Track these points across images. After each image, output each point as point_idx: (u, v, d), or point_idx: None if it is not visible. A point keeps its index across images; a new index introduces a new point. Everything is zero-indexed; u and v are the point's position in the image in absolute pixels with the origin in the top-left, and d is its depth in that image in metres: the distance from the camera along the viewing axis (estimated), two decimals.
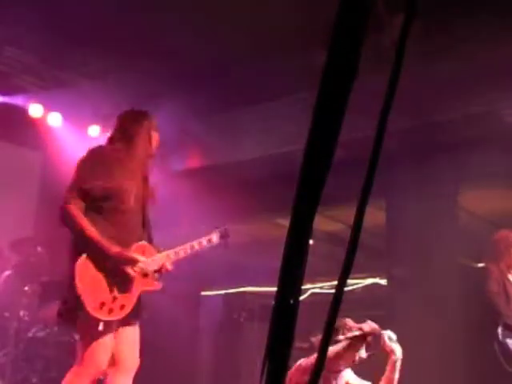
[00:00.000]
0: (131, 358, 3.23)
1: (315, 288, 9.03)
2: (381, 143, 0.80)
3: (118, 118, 3.46)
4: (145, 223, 3.33)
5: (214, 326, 8.28)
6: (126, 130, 3.36)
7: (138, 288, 3.14)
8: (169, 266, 3.29)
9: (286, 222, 7.02)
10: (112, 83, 6.58)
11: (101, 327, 2.98)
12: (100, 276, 3.02)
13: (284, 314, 0.81)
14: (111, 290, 3.04)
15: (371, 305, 7.85)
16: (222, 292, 9.19)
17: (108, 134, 3.48)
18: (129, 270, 3.06)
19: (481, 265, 6.34)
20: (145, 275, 3.17)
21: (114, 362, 3.19)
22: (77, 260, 3.03)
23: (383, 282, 7.87)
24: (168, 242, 3.58)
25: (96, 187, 3.10)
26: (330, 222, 8.43)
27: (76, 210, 3.06)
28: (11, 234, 6.16)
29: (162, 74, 5.94)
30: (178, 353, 6.79)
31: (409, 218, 6.48)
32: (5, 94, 6.64)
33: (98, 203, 3.11)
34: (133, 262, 3.08)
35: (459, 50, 5.58)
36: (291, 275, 0.81)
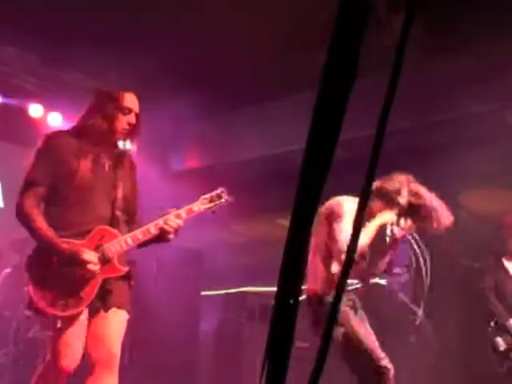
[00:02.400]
0: (101, 352, 2.94)
1: None
2: (381, 143, 0.80)
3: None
4: (115, 202, 3.09)
5: (214, 326, 8.28)
6: (86, 110, 3.22)
7: (97, 277, 2.92)
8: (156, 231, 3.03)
9: (286, 222, 7.01)
10: (112, 83, 6.58)
11: (59, 324, 2.84)
12: (52, 271, 2.87)
13: (284, 314, 0.81)
14: (66, 285, 2.87)
15: (371, 305, 7.85)
16: (222, 292, 9.18)
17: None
18: (79, 272, 2.88)
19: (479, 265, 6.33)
20: (106, 261, 2.95)
21: (89, 360, 2.98)
22: (28, 260, 2.96)
23: (383, 282, 7.87)
24: None
25: (42, 176, 2.99)
26: None
27: (27, 205, 2.98)
28: (11, 234, 6.16)
29: (162, 73, 5.94)
30: (178, 353, 6.79)
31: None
32: (5, 93, 6.64)
33: (50, 191, 3.00)
34: (82, 263, 2.87)
35: (459, 49, 5.59)
36: (291, 275, 0.81)
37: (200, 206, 3.20)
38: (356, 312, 3.75)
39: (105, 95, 3.17)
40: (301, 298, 0.84)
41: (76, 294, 2.89)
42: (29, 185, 3.02)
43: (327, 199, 3.83)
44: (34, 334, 5.49)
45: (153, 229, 3.05)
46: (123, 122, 3.14)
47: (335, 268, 3.66)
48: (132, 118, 3.16)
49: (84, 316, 2.94)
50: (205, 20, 5.44)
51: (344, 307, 3.63)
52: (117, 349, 2.98)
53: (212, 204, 3.24)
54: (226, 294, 9.14)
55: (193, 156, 7.61)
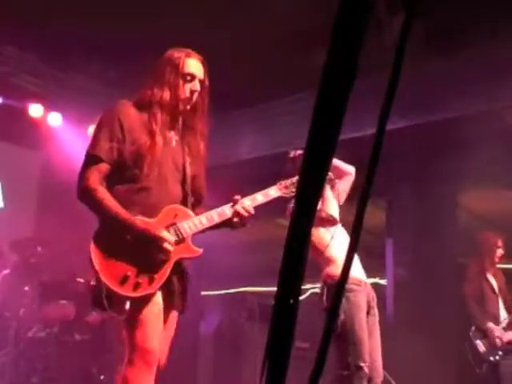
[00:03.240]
0: (162, 349, 2.76)
1: (315, 288, 9.03)
2: (381, 143, 0.80)
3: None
4: (185, 180, 2.84)
5: (214, 326, 8.28)
6: (152, 78, 2.84)
7: (171, 258, 2.68)
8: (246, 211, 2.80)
9: (285, 222, 7.01)
10: (112, 83, 6.58)
11: (127, 306, 2.57)
12: (122, 250, 2.62)
13: (284, 314, 0.81)
14: (137, 264, 2.61)
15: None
16: (222, 292, 9.18)
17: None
18: (154, 252, 2.63)
19: None
20: (180, 241, 2.71)
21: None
22: (96, 234, 2.68)
23: (383, 281, 7.87)
24: None
25: (107, 151, 2.69)
26: None
27: (92, 181, 2.67)
28: (11, 233, 6.16)
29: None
30: (178, 353, 6.78)
31: (409, 218, 6.48)
32: (5, 93, 6.64)
33: (115, 168, 2.71)
34: (157, 240, 2.62)
35: (459, 49, 5.59)
36: (291, 275, 0.81)
37: (278, 190, 2.98)
38: (368, 311, 3.79)
39: (165, 61, 2.87)
40: (301, 298, 0.84)
41: (148, 273, 2.62)
42: (92, 160, 2.70)
43: None
44: (34, 334, 5.49)
45: (228, 211, 2.82)
46: (186, 89, 2.83)
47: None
48: (195, 85, 2.84)
49: (159, 298, 2.67)
50: (205, 20, 5.44)
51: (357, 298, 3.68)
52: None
53: (288, 191, 3.01)
54: (226, 293, 9.15)
55: None
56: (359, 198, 0.82)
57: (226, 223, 2.86)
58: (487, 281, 5.71)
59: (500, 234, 5.93)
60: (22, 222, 7.07)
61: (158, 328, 2.66)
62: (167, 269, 2.67)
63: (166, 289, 2.71)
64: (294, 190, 3.01)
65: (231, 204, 2.84)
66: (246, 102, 6.68)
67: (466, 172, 6.05)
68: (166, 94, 2.80)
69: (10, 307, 5.48)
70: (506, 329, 5.48)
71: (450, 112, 5.92)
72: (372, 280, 9.35)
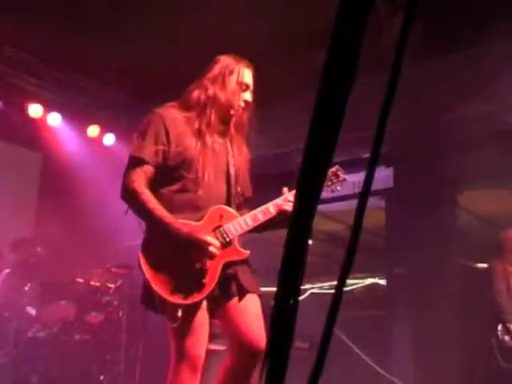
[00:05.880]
0: (255, 333, 2.70)
1: (315, 288, 9.03)
2: (380, 143, 0.80)
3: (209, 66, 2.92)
4: (230, 181, 2.85)
5: (214, 325, 8.28)
6: (203, 83, 2.89)
7: (218, 261, 2.66)
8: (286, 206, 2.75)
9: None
10: (112, 83, 6.58)
11: (179, 313, 2.55)
12: (170, 259, 2.61)
13: (284, 314, 0.81)
14: (186, 270, 2.60)
15: (371, 305, 7.86)
16: None
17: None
18: (199, 257, 2.61)
19: (481, 265, 6.35)
20: (227, 244, 2.71)
21: (233, 346, 2.74)
22: (144, 243, 2.69)
23: (383, 281, 7.87)
24: None
25: (152, 153, 2.70)
26: (330, 222, 8.42)
27: (137, 184, 2.65)
28: (11, 233, 6.16)
29: (165, 73, 5.94)
30: None
31: (409, 218, 6.48)
32: (5, 93, 6.64)
33: (160, 170, 2.72)
34: (203, 244, 2.60)
35: (459, 49, 5.59)
36: (291, 275, 0.81)
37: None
38: None
39: (223, 66, 2.92)
40: (301, 298, 0.84)
41: (197, 279, 2.61)
42: (137, 163, 2.70)
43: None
44: (34, 334, 5.49)
45: (272, 208, 2.82)
46: (241, 98, 2.92)
47: None
48: (249, 95, 2.96)
49: (204, 305, 2.67)
50: (204, 19, 5.44)
51: None
52: (264, 336, 2.71)
53: (330, 183, 3.01)
54: None
55: None
56: (359, 198, 0.82)
57: (272, 223, 2.84)
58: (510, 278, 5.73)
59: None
60: (22, 222, 7.07)
61: (205, 334, 2.69)
62: (216, 273, 2.66)
63: (221, 286, 2.70)
64: (336, 179, 3.02)
65: (274, 202, 2.83)
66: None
67: (466, 172, 6.05)
68: (222, 98, 2.85)
69: (10, 307, 5.48)
70: None
71: (450, 112, 5.92)
72: (372, 280, 9.39)
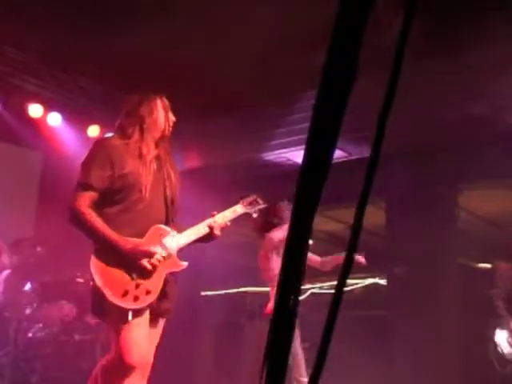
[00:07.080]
0: (146, 357, 3.01)
1: (315, 288, 9.04)
2: (380, 143, 0.80)
3: (124, 103, 3.23)
4: (167, 202, 3.12)
5: (214, 326, 8.28)
6: (134, 112, 3.15)
7: (161, 272, 2.96)
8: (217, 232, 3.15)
9: None
10: (112, 83, 6.58)
11: (130, 317, 2.82)
12: (118, 267, 2.88)
13: (284, 315, 0.81)
14: (132, 278, 2.88)
15: (371, 305, 7.86)
16: (222, 292, 9.18)
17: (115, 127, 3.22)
18: (145, 263, 2.89)
19: (481, 265, 6.35)
20: (168, 256, 3.00)
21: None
22: (95, 251, 2.93)
23: (383, 281, 7.87)
24: None
25: (97, 180, 2.95)
26: (329, 222, 8.43)
27: (84, 206, 2.92)
28: (11, 234, 6.16)
29: (159, 75, 5.94)
30: (178, 353, 6.79)
31: (409, 218, 6.48)
32: (5, 93, 6.64)
33: (104, 194, 2.96)
34: (148, 255, 2.91)
35: (459, 49, 5.58)
36: (291, 275, 0.81)
37: (243, 207, 3.35)
38: None
39: (143, 96, 3.22)
40: (301, 298, 0.84)
41: (144, 287, 2.90)
42: (83, 188, 2.97)
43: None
44: (34, 334, 5.49)
45: (202, 228, 3.14)
46: (170, 120, 3.22)
47: None
48: (173, 116, 3.26)
49: (147, 313, 2.95)
50: (204, 20, 5.44)
51: None
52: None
53: (251, 207, 3.40)
54: (226, 293, 9.14)
55: (193, 156, 7.61)
56: (359, 198, 0.82)
57: (201, 239, 3.18)
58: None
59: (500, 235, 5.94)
60: (22, 221, 7.07)
61: (145, 333, 2.93)
62: (160, 282, 2.95)
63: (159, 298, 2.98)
64: (257, 206, 3.44)
65: (205, 222, 3.16)
66: (245, 102, 6.68)
67: (466, 172, 6.05)
68: (154, 123, 3.15)
69: (10, 307, 5.48)
70: None
71: (450, 112, 5.91)
72: (372, 280, 9.39)
